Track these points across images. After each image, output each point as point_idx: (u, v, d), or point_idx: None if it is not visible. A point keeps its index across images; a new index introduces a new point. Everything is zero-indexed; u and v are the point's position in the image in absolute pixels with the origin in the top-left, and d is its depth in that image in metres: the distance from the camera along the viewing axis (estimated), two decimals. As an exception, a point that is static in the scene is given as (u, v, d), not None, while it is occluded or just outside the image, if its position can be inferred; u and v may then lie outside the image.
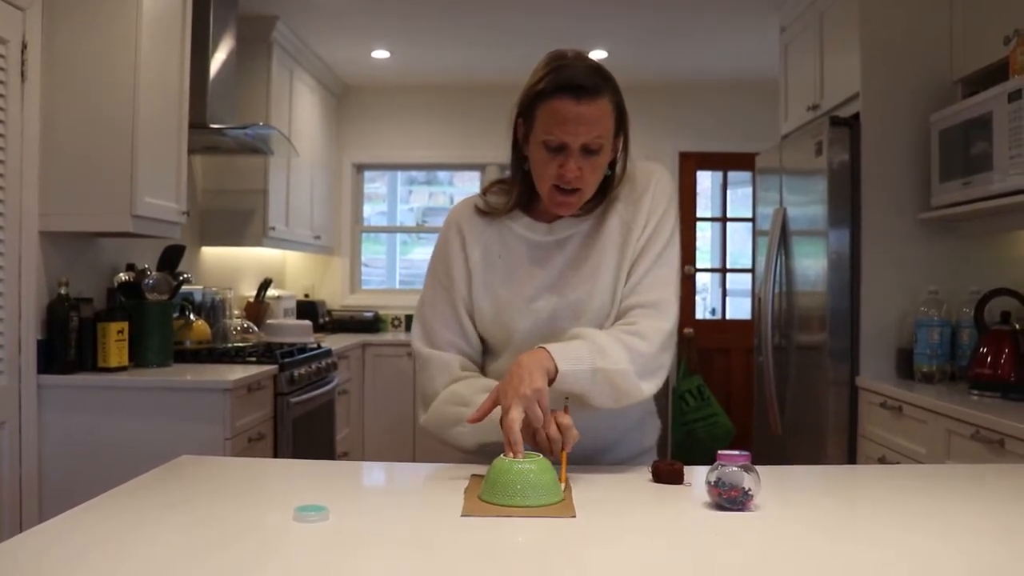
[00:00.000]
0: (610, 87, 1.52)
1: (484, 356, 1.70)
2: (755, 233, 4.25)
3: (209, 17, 3.71)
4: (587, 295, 1.59)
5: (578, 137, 1.48)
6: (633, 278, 1.59)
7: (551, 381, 1.44)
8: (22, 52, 2.74)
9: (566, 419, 1.42)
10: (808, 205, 3.48)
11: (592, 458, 1.62)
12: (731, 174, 6.02)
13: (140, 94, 2.88)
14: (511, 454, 1.36)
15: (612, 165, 1.60)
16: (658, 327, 1.54)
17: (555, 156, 1.51)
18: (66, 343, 2.87)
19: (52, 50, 2.85)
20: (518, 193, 1.63)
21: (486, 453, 1.49)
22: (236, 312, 4.31)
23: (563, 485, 1.38)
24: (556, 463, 1.41)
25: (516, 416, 1.37)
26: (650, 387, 1.54)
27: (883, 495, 1.49)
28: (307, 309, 5.38)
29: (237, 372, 3.07)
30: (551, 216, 1.63)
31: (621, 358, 1.48)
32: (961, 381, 2.97)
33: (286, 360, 3.48)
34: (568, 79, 1.48)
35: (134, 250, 3.39)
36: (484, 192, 1.69)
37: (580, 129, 1.48)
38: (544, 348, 1.46)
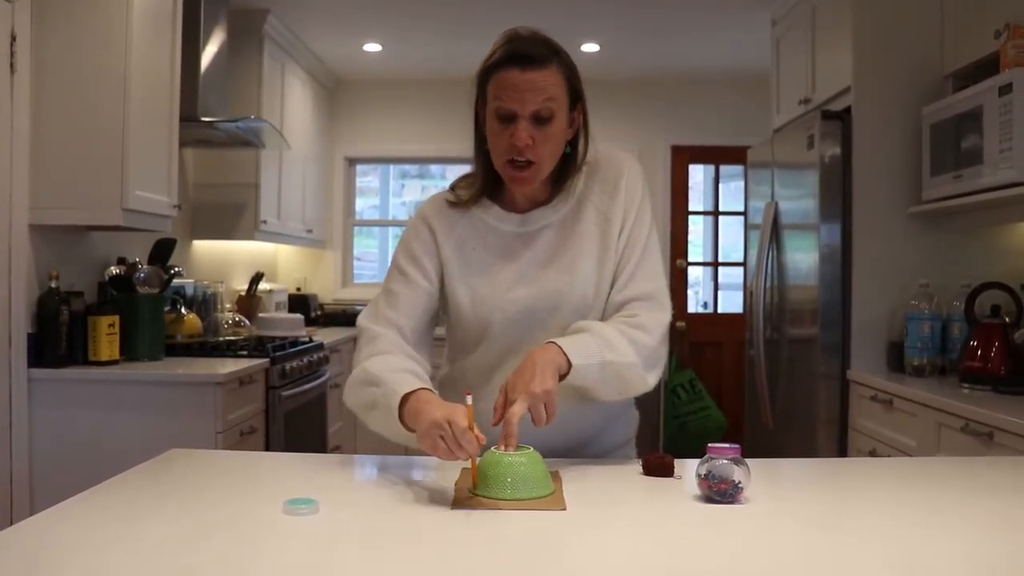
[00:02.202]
0: (560, 59, 1.53)
1: (456, 352, 1.69)
2: (747, 227, 4.25)
3: (200, 10, 3.70)
4: (567, 286, 1.58)
5: (526, 104, 1.48)
6: (625, 272, 1.59)
7: (563, 376, 1.44)
8: (11, 44, 2.72)
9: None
10: (800, 199, 3.49)
11: (574, 450, 1.62)
12: (723, 168, 6.03)
13: (131, 87, 2.87)
14: (503, 447, 1.36)
15: (574, 145, 1.59)
16: (658, 319, 1.55)
17: (507, 127, 1.50)
18: (56, 337, 2.86)
19: (42, 42, 2.83)
20: (482, 178, 1.62)
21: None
22: (228, 306, 4.31)
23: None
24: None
25: (519, 411, 1.37)
26: (653, 379, 1.55)
27: (873, 488, 1.49)
28: (299, 303, 5.37)
29: (228, 366, 3.06)
30: (523, 206, 1.63)
31: (628, 351, 1.49)
32: (951, 374, 2.98)
33: (278, 354, 3.47)
34: (515, 50, 1.50)
35: (125, 243, 3.38)
36: (453, 188, 1.68)
37: (527, 96, 1.48)
38: (554, 343, 1.46)
